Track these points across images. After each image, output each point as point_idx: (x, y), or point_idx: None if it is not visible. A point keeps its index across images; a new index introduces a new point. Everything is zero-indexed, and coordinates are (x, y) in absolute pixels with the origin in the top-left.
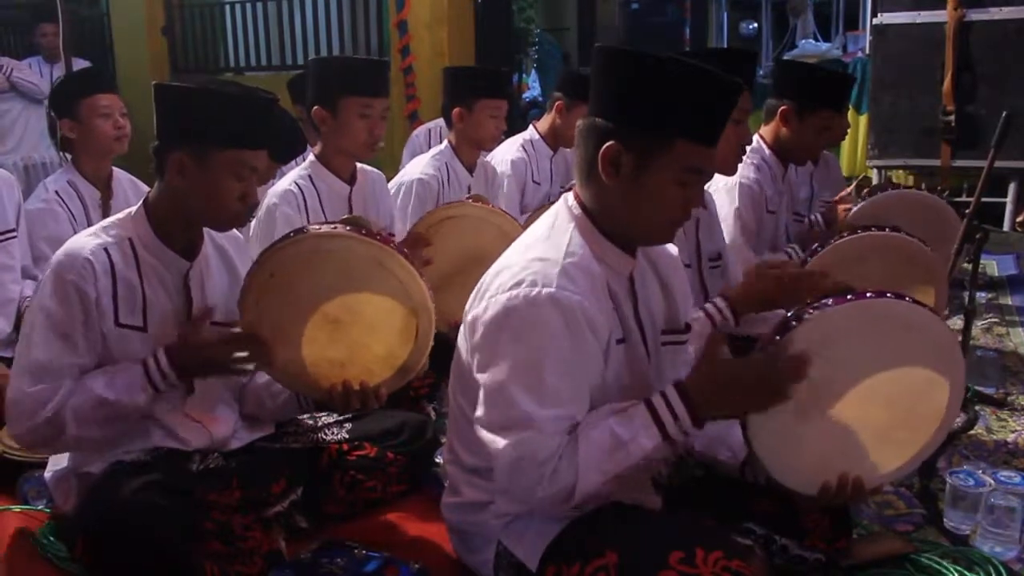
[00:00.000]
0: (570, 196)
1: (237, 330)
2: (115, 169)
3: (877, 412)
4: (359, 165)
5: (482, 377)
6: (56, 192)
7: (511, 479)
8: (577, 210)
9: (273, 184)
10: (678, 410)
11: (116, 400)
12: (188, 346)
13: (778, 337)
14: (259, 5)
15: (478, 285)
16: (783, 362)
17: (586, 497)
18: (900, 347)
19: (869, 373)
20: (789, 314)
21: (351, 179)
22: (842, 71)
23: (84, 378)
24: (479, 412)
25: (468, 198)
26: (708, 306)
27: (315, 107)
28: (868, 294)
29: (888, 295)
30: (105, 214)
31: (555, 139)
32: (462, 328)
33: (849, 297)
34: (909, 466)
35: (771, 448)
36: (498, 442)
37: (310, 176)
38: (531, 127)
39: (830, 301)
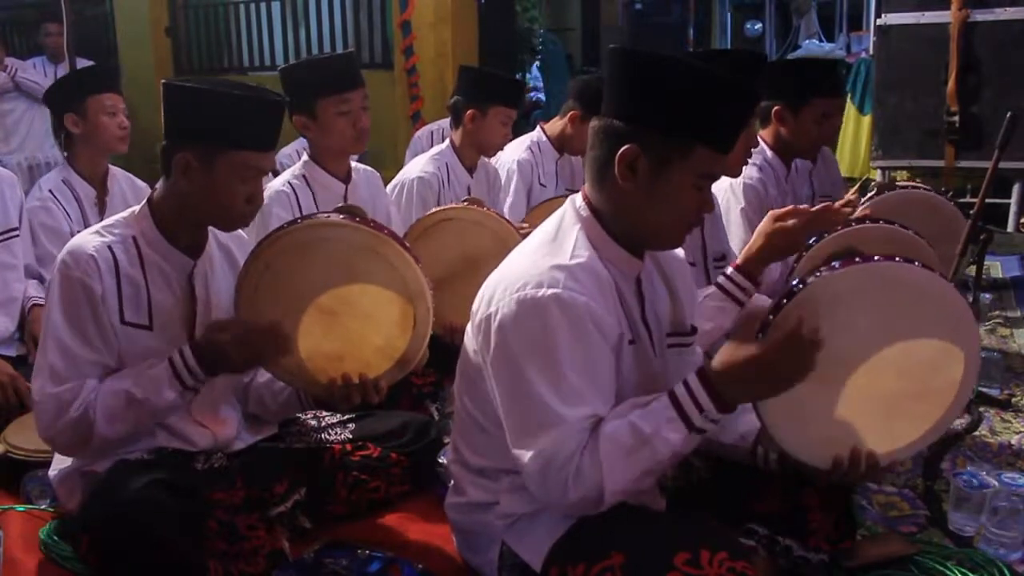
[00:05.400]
0: (578, 198)
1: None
2: (112, 167)
3: (890, 383)
4: (353, 164)
5: (500, 383)
6: (51, 191)
7: (543, 489)
8: (585, 212)
9: (271, 180)
10: (701, 399)
11: (145, 398)
12: (213, 342)
13: (785, 301)
14: (263, 5)
15: (484, 285)
16: (800, 344)
17: (618, 496)
18: (912, 315)
19: (880, 341)
20: (795, 282)
21: (346, 177)
22: (824, 58)
23: (110, 378)
24: (504, 422)
25: (464, 201)
26: (719, 279)
27: (294, 116)
28: (876, 257)
29: (897, 259)
30: (101, 212)
31: (562, 146)
32: (469, 327)
33: (857, 260)
34: (923, 441)
35: (783, 420)
36: (524, 455)
37: (304, 176)
38: (538, 128)
39: (837, 264)
